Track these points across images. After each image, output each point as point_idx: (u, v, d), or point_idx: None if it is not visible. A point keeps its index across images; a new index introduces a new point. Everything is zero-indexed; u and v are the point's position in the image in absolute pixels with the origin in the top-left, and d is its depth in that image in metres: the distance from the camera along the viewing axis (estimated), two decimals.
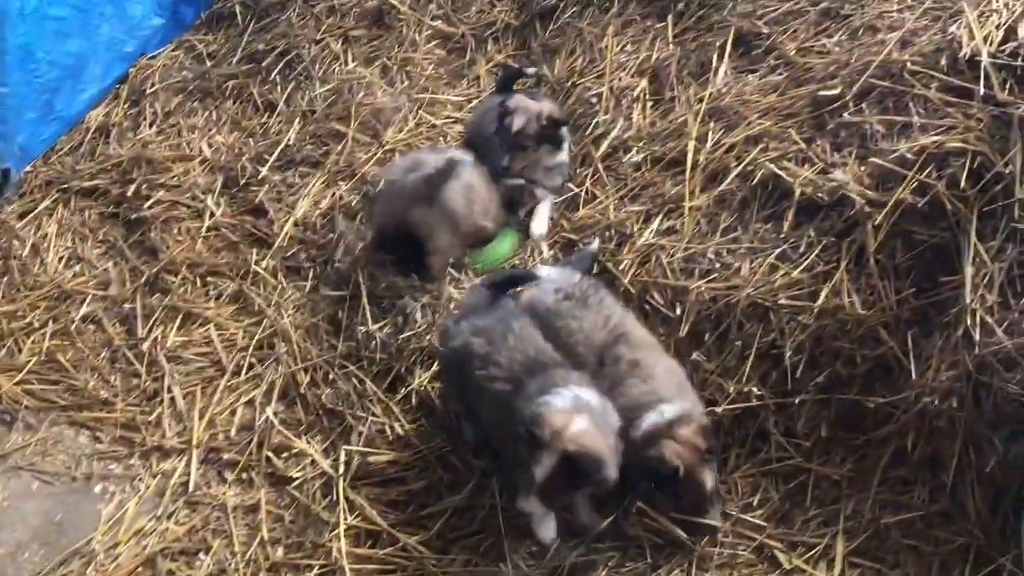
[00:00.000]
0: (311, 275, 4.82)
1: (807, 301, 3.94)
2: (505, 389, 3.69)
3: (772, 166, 4.28)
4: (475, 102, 5.49)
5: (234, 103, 5.83)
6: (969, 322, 3.57)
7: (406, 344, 4.35)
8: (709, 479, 3.69)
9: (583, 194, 4.74)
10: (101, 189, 5.54)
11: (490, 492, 3.89)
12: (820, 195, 4.11)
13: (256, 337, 4.68)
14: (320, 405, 4.38)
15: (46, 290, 5.10)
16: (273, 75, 5.81)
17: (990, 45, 3.97)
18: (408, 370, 4.33)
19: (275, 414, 4.38)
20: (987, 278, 3.62)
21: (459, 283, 4.55)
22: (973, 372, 3.52)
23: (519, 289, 4.20)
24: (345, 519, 3.96)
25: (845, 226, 4.02)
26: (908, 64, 4.17)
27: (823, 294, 3.92)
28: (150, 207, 5.32)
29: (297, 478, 4.17)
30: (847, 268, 3.94)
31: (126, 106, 5.97)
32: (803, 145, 4.29)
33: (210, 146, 5.60)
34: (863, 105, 4.22)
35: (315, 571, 3.87)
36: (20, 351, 4.85)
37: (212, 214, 5.23)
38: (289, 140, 5.45)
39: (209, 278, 5.01)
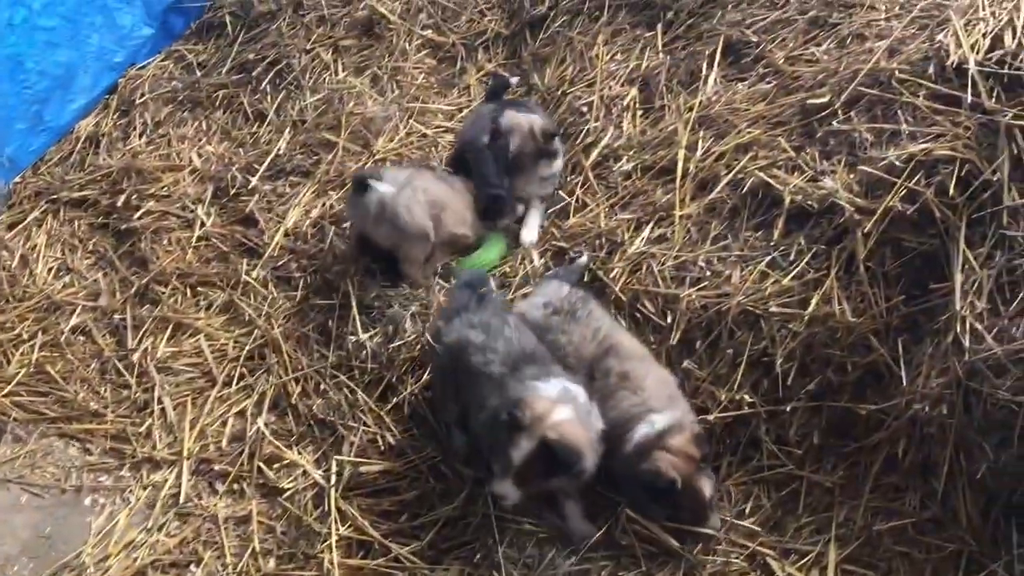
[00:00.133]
0: (301, 285, 4.81)
1: (798, 309, 3.96)
2: (501, 371, 3.71)
3: (762, 174, 4.29)
4: (466, 111, 5.51)
5: (224, 113, 5.82)
6: (959, 329, 3.58)
7: (397, 353, 4.35)
8: (707, 486, 3.69)
9: (574, 202, 4.75)
10: (91, 199, 5.53)
11: (482, 502, 3.88)
12: (810, 203, 4.12)
13: (247, 347, 4.67)
14: (311, 415, 4.37)
15: (35, 301, 5.08)
16: (263, 85, 5.81)
17: (977, 53, 4.00)
18: (399, 379, 4.32)
19: (266, 425, 4.37)
20: (976, 285, 3.64)
21: (449, 291, 4.54)
22: (963, 379, 3.53)
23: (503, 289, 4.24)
24: (337, 529, 3.95)
25: (835, 234, 4.04)
26: (896, 72, 4.20)
27: (813, 302, 3.93)
28: (140, 217, 5.30)
29: (288, 489, 4.16)
30: (837, 275, 3.95)
31: (116, 116, 5.96)
32: (792, 153, 4.31)
33: (200, 156, 5.59)
34: (852, 113, 4.25)
35: None
36: (9, 363, 4.83)
37: (202, 224, 5.22)
38: (279, 150, 5.44)
39: (199, 288, 4.99)
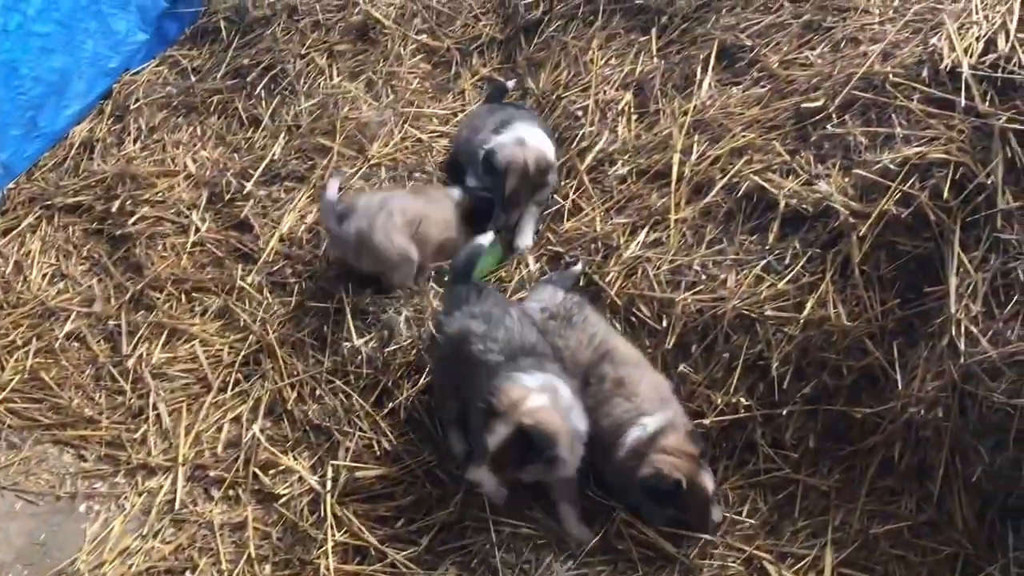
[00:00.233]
0: (296, 290, 4.80)
1: (793, 312, 3.96)
2: (498, 360, 3.72)
3: (757, 178, 4.30)
4: (460, 116, 5.50)
5: (219, 118, 5.81)
6: (954, 332, 3.59)
7: (392, 358, 4.34)
8: (709, 482, 3.71)
9: (569, 207, 4.74)
10: (85, 205, 5.51)
11: (479, 507, 3.88)
12: (805, 207, 4.13)
13: (242, 353, 4.66)
14: (307, 421, 4.36)
15: (29, 307, 5.06)
16: (258, 90, 5.80)
17: (970, 57, 4.01)
18: (395, 384, 4.32)
19: (262, 430, 4.37)
20: (971, 288, 3.65)
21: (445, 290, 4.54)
22: (958, 382, 3.55)
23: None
24: (333, 535, 3.94)
25: (830, 237, 4.05)
26: (890, 76, 4.21)
27: (809, 305, 3.94)
28: (134, 223, 5.29)
29: (284, 495, 4.16)
30: (832, 279, 3.96)
31: (110, 122, 5.94)
32: (787, 157, 4.32)
33: (195, 161, 5.57)
34: (846, 117, 4.26)
35: None
36: (3, 369, 4.81)
37: (197, 230, 5.21)
38: (274, 155, 5.43)
39: (194, 294, 4.98)
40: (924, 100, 4.08)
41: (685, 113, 4.74)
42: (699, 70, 4.89)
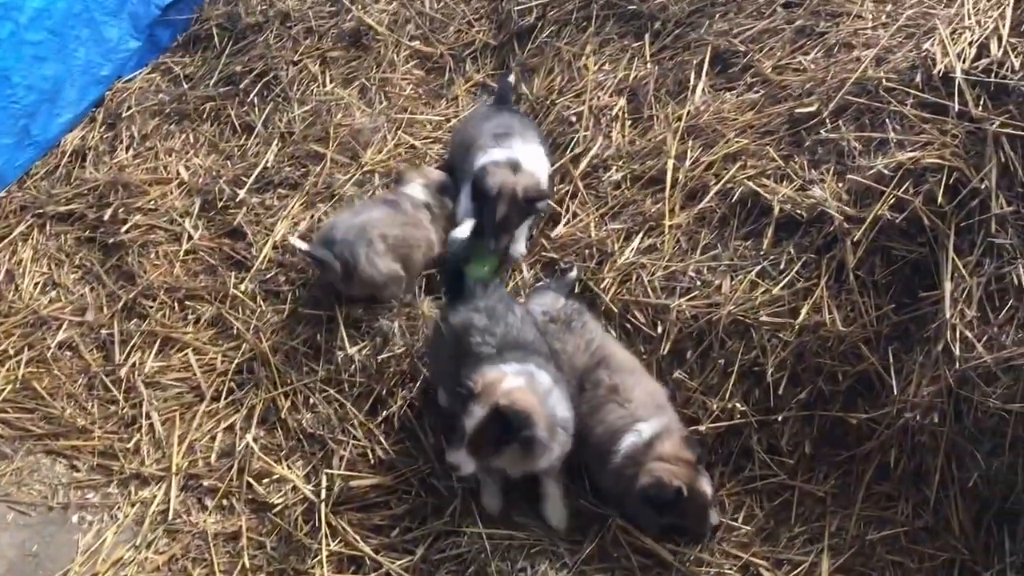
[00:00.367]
0: (290, 298, 4.78)
1: (788, 318, 3.96)
2: (490, 353, 3.74)
3: (751, 183, 4.30)
4: (454, 121, 5.49)
5: (211, 125, 5.79)
6: (949, 337, 3.60)
7: (386, 366, 4.33)
8: (707, 487, 3.71)
9: (563, 212, 4.73)
10: (77, 213, 5.48)
11: (474, 515, 3.86)
12: (799, 212, 4.13)
13: (235, 361, 4.63)
14: (301, 430, 4.34)
15: (21, 316, 5.03)
16: (251, 97, 5.78)
17: (963, 62, 4.02)
18: (389, 392, 4.30)
19: (255, 439, 4.34)
20: (966, 293, 3.65)
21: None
22: (954, 387, 3.55)
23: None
24: (328, 545, 3.92)
25: (824, 242, 4.05)
26: (883, 81, 4.21)
27: (804, 311, 3.94)
28: (127, 231, 5.27)
29: (278, 504, 4.13)
30: (827, 284, 3.96)
31: (102, 129, 5.92)
32: (781, 162, 4.32)
33: (187, 169, 5.56)
34: (840, 122, 4.26)
35: None
36: None
37: (190, 237, 5.19)
38: (267, 162, 5.41)
39: (187, 302, 4.95)
40: (917, 105, 4.08)
41: (679, 119, 4.74)
42: (692, 75, 4.90)
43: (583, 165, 4.81)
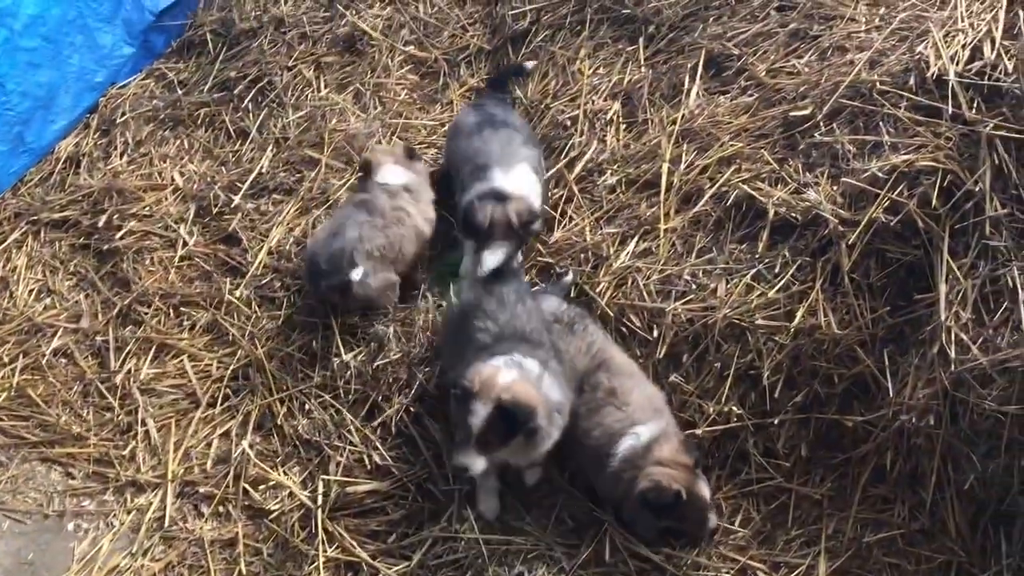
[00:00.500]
0: (285, 304, 4.77)
1: (783, 321, 3.97)
2: (486, 343, 3.76)
3: (746, 187, 4.30)
4: (448, 126, 5.47)
5: (206, 131, 5.79)
6: (944, 339, 3.60)
7: (381, 372, 4.32)
8: (705, 490, 3.72)
9: (558, 216, 4.73)
10: (72, 220, 5.47)
11: (471, 520, 3.86)
12: (794, 215, 4.14)
13: (231, 368, 4.63)
14: (297, 436, 4.33)
15: (16, 324, 5.02)
16: (245, 102, 5.78)
17: (957, 64, 4.03)
18: (385, 398, 4.30)
19: (251, 446, 4.34)
20: (961, 295, 3.66)
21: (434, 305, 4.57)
22: (949, 389, 3.55)
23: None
24: (324, 551, 3.92)
25: (819, 245, 4.05)
26: (877, 84, 4.22)
27: (799, 314, 3.94)
28: (122, 238, 5.25)
29: (275, 510, 4.13)
30: (822, 287, 3.96)
31: (96, 136, 5.91)
32: (776, 165, 4.33)
33: (182, 175, 5.55)
34: (834, 125, 4.27)
35: None
36: None
37: (185, 244, 5.18)
38: (262, 168, 5.41)
39: (183, 308, 4.95)
40: (911, 108, 4.09)
41: (673, 122, 4.74)
42: (687, 79, 4.90)
43: (578, 169, 4.81)
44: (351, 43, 5.94)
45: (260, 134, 5.62)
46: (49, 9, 5.59)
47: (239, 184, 5.34)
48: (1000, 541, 3.50)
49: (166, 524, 4.18)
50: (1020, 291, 3.54)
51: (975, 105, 3.93)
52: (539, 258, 4.64)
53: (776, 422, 3.92)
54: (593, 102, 5.08)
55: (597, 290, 4.32)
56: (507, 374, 3.58)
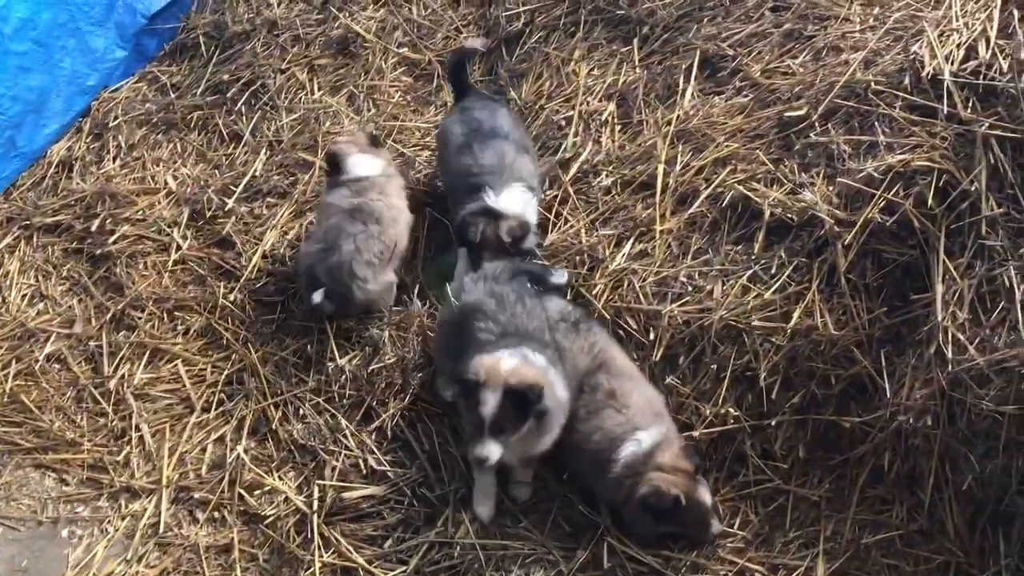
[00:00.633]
0: (279, 308, 4.76)
1: (780, 322, 3.96)
2: (488, 339, 3.78)
3: (741, 188, 4.30)
4: (436, 133, 5.43)
5: (199, 134, 5.77)
6: (941, 339, 3.59)
7: (376, 376, 4.30)
8: (706, 495, 3.71)
9: (552, 218, 4.72)
10: (64, 225, 5.44)
11: (467, 524, 3.84)
12: (790, 216, 4.13)
13: (225, 372, 4.61)
14: (292, 440, 4.31)
15: (9, 329, 4.98)
16: (238, 105, 5.76)
17: (952, 64, 4.02)
18: (380, 402, 4.28)
19: (246, 451, 4.31)
20: (957, 295, 3.65)
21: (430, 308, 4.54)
22: (947, 389, 3.55)
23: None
24: (320, 556, 3.89)
25: (815, 246, 4.04)
26: (872, 84, 4.22)
27: (796, 315, 3.93)
28: (115, 242, 5.23)
29: (270, 516, 4.10)
30: (819, 288, 3.96)
31: (89, 140, 5.89)
32: (771, 166, 4.32)
33: (175, 178, 5.53)
34: (829, 125, 4.27)
35: None
36: None
37: (178, 247, 5.16)
38: (256, 171, 5.39)
39: (176, 313, 4.92)
40: (906, 108, 4.09)
41: (668, 123, 4.73)
42: (681, 80, 4.90)
43: (573, 171, 4.79)
44: (344, 45, 5.93)
45: (253, 137, 5.60)
46: (40, 13, 5.57)
47: (233, 187, 5.33)
48: (999, 541, 3.50)
49: (161, 530, 4.15)
50: (1017, 291, 3.53)
51: (970, 105, 3.92)
52: (534, 260, 4.62)
53: (773, 424, 3.91)
54: (588, 103, 5.07)
55: (593, 292, 4.30)
56: (509, 361, 3.61)
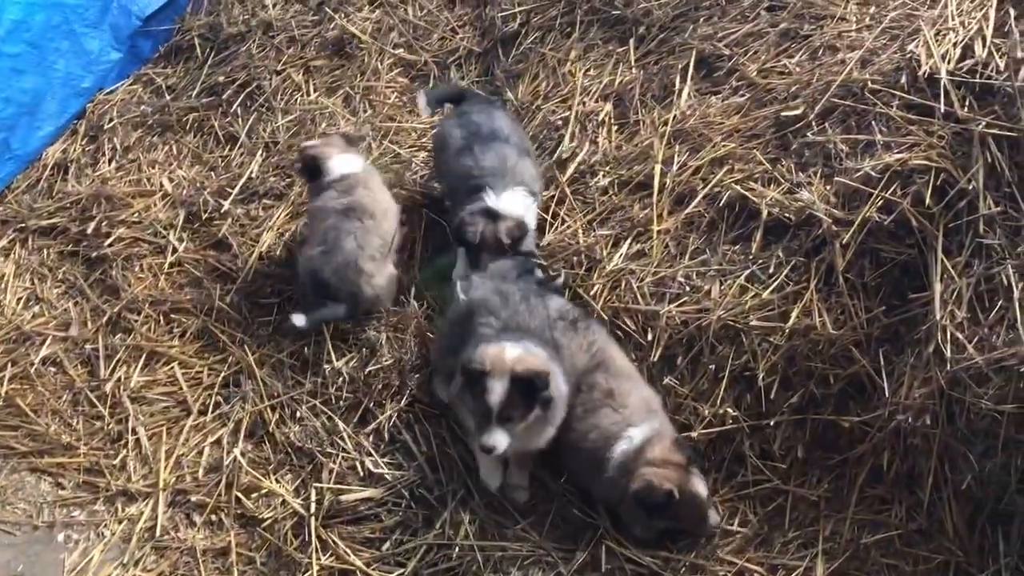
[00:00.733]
0: (276, 310, 4.74)
1: (778, 322, 3.95)
2: (489, 334, 3.79)
3: (738, 187, 4.29)
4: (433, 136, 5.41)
5: (195, 136, 5.75)
6: (940, 338, 3.59)
7: (373, 378, 4.29)
8: (701, 487, 3.70)
9: (550, 219, 4.71)
10: (60, 227, 5.42)
11: (466, 526, 3.83)
12: (787, 215, 4.13)
13: (222, 375, 4.59)
14: (289, 443, 4.29)
15: (4, 332, 4.96)
16: (234, 107, 5.74)
17: (948, 63, 4.02)
18: (377, 404, 4.26)
19: (243, 453, 4.30)
20: (955, 294, 3.65)
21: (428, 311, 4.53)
22: (945, 388, 3.54)
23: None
24: (318, 559, 3.88)
25: (813, 245, 4.04)
26: (869, 83, 4.22)
27: (794, 314, 3.93)
28: (111, 244, 5.21)
29: (268, 519, 4.08)
30: (816, 287, 3.95)
31: (84, 142, 5.86)
32: (768, 166, 4.32)
33: (171, 180, 5.51)
34: (826, 124, 4.27)
35: None
36: None
37: (174, 250, 5.14)
38: (252, 172, 5.37)
39: (173, 315, 4.90)
40: (903, 107, 4.09)
41: (665, 123, 4.73)
42: (678, 80, 4.89)
43: (570, 171, 4.79)
44: (340, 46, 5.92)
45: (249, 139, 5.59)
46: (33, 15, 5.55)
47: (229, 189, 5.31)
48: (998, 540, 3.49)
49: (158, 534, 4.13)
50: (1015, 289, 3.53)
51: (967, 103, 3.93)
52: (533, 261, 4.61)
53: (772, 423, 3.90)
54: (584, 104, 5.07)
55: (591, 293, 4.30)
56: (513, 349, 3.63)
